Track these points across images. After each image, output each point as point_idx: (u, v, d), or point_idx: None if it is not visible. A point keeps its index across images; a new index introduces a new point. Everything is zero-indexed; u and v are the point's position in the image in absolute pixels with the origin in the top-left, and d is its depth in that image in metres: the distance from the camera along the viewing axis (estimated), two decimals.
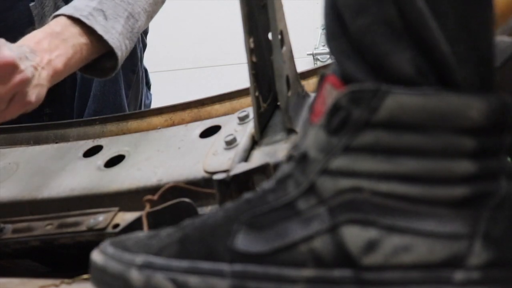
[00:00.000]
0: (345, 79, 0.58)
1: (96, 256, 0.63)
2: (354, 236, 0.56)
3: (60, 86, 1.46)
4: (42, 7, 1.56)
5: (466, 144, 0.55)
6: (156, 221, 0.83)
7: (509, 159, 0.59)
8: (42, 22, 1.52)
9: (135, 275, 0.60)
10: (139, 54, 1.62)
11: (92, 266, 0.63)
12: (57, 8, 1.51)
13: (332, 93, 0.58)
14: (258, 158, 0.93)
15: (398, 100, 0.55)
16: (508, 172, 0.57)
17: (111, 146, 1.16)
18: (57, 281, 0.84)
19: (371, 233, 0.55)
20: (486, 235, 0.55)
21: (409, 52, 0.56)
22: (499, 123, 0.56)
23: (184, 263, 0.59)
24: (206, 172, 0.96)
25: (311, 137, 0.59)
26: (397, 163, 0.55)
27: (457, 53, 0.57)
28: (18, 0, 1.53)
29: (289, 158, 0.61)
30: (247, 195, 0.62)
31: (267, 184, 0.61)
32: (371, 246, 0.55)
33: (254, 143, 0.97)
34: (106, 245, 0.63)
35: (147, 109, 1.43)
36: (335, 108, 0.57)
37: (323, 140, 0.57)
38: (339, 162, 0.57)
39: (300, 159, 0.59)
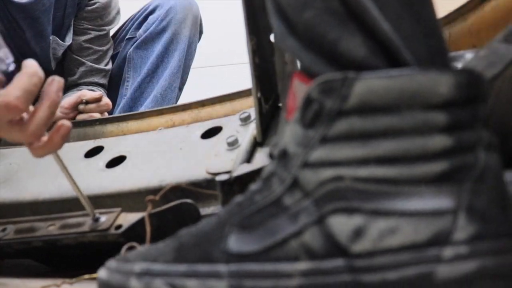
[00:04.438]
0: (307, 73, 0.59)
1: (102, 273, 0.64)
2: (341, 225, 0.56)
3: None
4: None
5: (438, 120, 0.55)
6: (159, 222, 0.84)
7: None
8: None
9: (134, 284, 0.60)
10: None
11: (99, 283, 0.64)
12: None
13: (301, 88, 0.58)
14: (260, 159, 0.94)
15: (367, 85, 0.56)
16: (485, 144, 0.57)
17: (112, 147, 1.16)
18: (58, 281, 0.84)
19: (356, 220, 0.55)
20: (469, 208, 0.55)
21: (358, 36, 0.58)
22: (470, 95, 0.56)
23: (181, 267, 0.59)
24: (208, 173, 0.96)
25: (288, 133, 0.59)
26: (373, 146, 0.56)
27: (402, 30, 0.58)
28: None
29: (270, 156, 0.62)
30: (238, 199, 0.62)
31: (254, 185, 0.62)
32: (358, 233, 0.55)
33: (256, 144, 0.98)
34: (111, 262, 0.64)
35: (147, 110, 1.43)
36: (308, 101, 0.58)
37: (300, 134, 0.58)
38: (318, 153, 0.57)
39: (280, 156, 0.60)
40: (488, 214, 0.55)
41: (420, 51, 0.59)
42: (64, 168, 0.83)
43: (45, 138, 0.79)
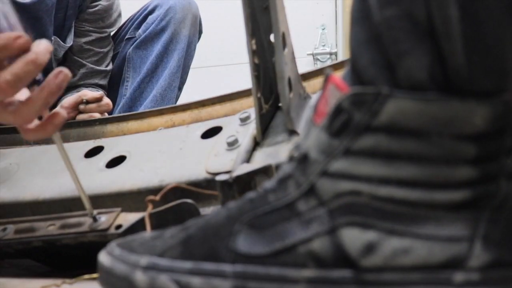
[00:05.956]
0: (357, 74, 0.57)
1: (104, 257, 0.63)
2: (353, 238, 0.56)
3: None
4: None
5: (468, 151, 0.54)
6: (159, 222, 0.83)
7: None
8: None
9: (139, 277, 0.60)
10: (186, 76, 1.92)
11: (100, 267, 0.63)
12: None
13: (335, 94, 0.57)
14: (260, 159, 0.94)
15: (400, 105, 0.54)
16: (507, 173, 0.56)
17: (112, 147, 1.16)
18: (58, 281, 0.84)
19: (370, 236, 0.55)
20: (486, 236, 0.55)
21: (428, 57, 0.54)
22: (502, 127, 0.55)
23: (187, 264, 0.59)
24: (208, 173, 0.96)
25: (313, 138, 0.58)
26: (396, 168, 0.55)
27: (475, 64, 0.54)
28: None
29: (291, 157, 0.61)
30: (250, 195, 0.62)
31: (268, 184, 0.61)
32: (370, 248, 0.55)
33: (256, 144, 0.97)
34: (113, 246, 0.64)
35: (147, 110, 1.43)
36: (337, 111, 0.57)
37: (325, 142, 0.57)
38: (339, 164, 0.57)
39: (301, 159, 0.59)
40: (503, 244, 0.55)
41: (487, 88, 0.54)
42: (67, 159, 0.83)
43: (37, 122, 0.79)
